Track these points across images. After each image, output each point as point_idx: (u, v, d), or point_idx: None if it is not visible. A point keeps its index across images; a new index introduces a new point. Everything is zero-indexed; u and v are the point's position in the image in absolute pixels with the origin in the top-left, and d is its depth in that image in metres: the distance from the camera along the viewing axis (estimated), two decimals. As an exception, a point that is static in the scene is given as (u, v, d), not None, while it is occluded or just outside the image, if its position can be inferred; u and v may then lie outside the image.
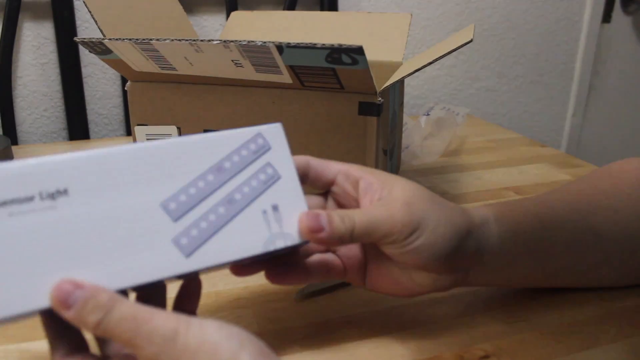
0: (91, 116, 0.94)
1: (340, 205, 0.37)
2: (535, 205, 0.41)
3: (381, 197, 0.34)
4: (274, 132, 0.34)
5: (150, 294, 0.31)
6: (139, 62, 0.51)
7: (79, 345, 0.28)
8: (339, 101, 0.50)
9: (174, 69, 0.51)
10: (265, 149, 0.33)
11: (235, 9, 0.93)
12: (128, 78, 0.56)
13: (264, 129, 0.33)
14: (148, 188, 0.29)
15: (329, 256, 0.37)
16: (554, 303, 0.44)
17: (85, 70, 0.92)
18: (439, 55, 0.45)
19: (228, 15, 0.93)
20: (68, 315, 0.25)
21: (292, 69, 0.47)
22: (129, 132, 0.96)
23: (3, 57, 0.85)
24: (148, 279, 0.28)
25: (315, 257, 0.37)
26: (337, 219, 0.32)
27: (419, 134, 0.79)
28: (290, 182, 0.33)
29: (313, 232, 0.32)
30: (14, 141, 0.89)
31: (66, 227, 0.27)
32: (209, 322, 0.26)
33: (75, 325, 0.26)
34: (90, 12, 0.53)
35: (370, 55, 0.45)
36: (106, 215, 0.28)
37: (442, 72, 1.15)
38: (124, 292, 0.28)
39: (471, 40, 0.43)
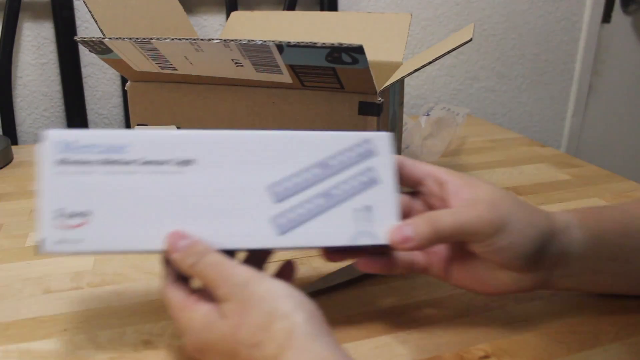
0: (91, 116, 0.94)
1: (428, 204, 0.39)
2: (619, 212, 0.41)
3: (468, 199, 0.36)
4: (381, 140, 0.36)
5: (252, 260, 0.37)
6: (139, 61, 0.51)
7: (185, 277, 0.34)
8: (339, 101, 0.50)
9: (174, 68, 0.51)
10: (370, 154, 0.36)
11: (235, 9, 0.93)
12: (128, 78, 0.56)
13: (373, 135, 0.36)
14: (259, 170, 0.34)
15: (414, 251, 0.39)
16: (554, 303, 0.44)
17: (85, 70, 0.92)
18: (439, 55, 0.45)
19: (228, 15, 0.93)
20: (174, 257, 0.32)
21: (292, 68, 0.47)
22: (129, 132, 0.96)
23: (3, 57, 0.85)
24: (243, 245, 0.34)
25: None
26: (422, 225, 0.34)
27: (419, 134, 0.79)
28: (387, 188, 0.36)
29: (402, 244, 0.34)
30: (14, 141, 0.89)
31: (187, 190, 0.33)
32: (277, 281, 0.30)
33: (178, 265, 0.32)
34: (90, 11, 0.53)
35: (370, 55, 0.45)
36: (221, 186, 0.33)
37: (442, 72, 1.15)
38: (231, 254, 0.33)
39: (471, 40, 0.43)
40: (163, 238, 0.32)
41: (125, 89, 0.57)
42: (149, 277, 0.47)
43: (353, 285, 0.46)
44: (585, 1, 1.21)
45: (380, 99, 0.49)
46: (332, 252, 0.38)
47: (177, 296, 0.33)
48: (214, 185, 0.33)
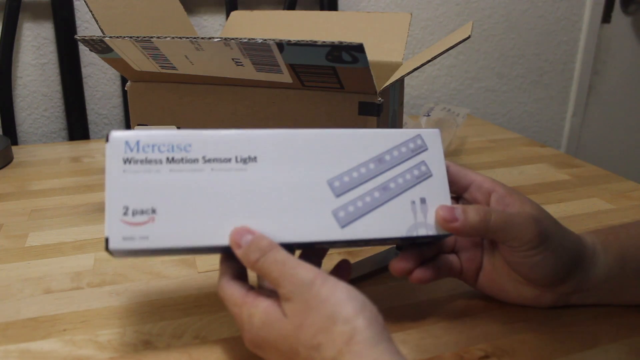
0: (91, 116, 0.94)
1: None
2: (638, 228, 0.42)
3: (512, 208, 0.38)
4: (432, 136, 0.38)
5: (310, 257, 0.37)
6: (139, 60, 0.51)
7: (241, 275, 0.35)
8: (339, 101, 0.50)
9: (174, 68, 0.51)
10: (422, 149, 0.37)
11: (235, 9, 0.93)
12: (128, 78, 0.56)
13: (423, 131, 0.38)
14: (319, 166, 0.35)
15: (451, 257, 0.41)
16: (554, 303, 0.44)
17: (85, 71, 0.92)
18: (438, 53, 0.45)
19: (228, 15, 0.93)
20: (238, 252, 0.33)
21: (292, 67, 0.47)
22: (128, 132, 0.96)
23: (3, 57, 0.85)
24: (306, 239, 0.34)
25: (441, 257, 0.41)
26: (473, 212, 0.36)
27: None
28: (440, 181, 0.37)
29: (448, 222, 0.36)
30: (14, 141, 0.89)
31: (250, 186, 0.34)
32: (342, 283, 0.30)
33: (242, 260, 0.32)
34: (91, 11, 0.53)
35: (371, 55, 0.45)
36: (282, 182, 0.34)
37: (442, 72, 1.15)
38: (290, 249, 0.34)
39: (469, 37, 0.43)
40: (227, 234, 0.33)
41: (125, 89, 0.57)
42: (149, 277, 0.47)
43: (353, 286, 0.46)
44: (585, 1, 1.21)
45: (380, 99, 0.49)
46: (417, 272, 0.39)
47: (235, 292, 0.33)
48: (276, 181, 0.34)
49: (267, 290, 0.34)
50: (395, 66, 0.65)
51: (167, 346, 0.38)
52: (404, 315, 0.42)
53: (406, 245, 0.40)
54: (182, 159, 0.34)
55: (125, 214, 0.32)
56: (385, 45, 0.67)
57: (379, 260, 0.48)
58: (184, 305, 0.43)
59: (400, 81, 0.61)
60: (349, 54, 0.43)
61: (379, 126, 0.50)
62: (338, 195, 0.35)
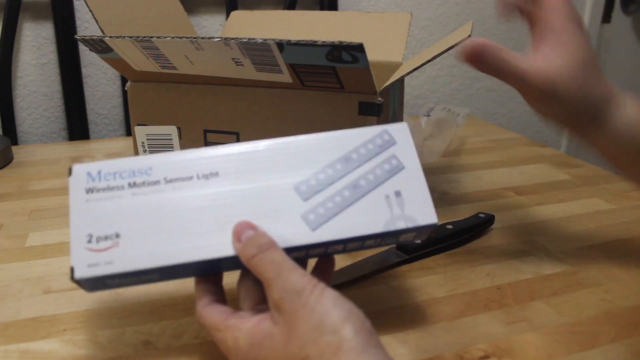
0: (91, 116, 0.94)
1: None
2: None
3: (547, 52, 0.43)
4: (399, 129, 0.37)
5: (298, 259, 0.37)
6: (139, 60, 0.51)
7: (219, 298, 0.34)
8: (339, 101, 0.50)
9: (174, 67, 0.51)
10: (390, 143, 0.37)
11: (235, 9, 0.93)
12: (128, 78, 0.56)
13: (390, 126, 0.37)
14: (283, 173, 0.35)
15: None
16: (554, 303, 0.44)
17: (85, 70, 0.92)
18: (438, 53, 0.45)
19: (228, 15, 0.93)
20: (237, 246, 0.32)
21: (292, 67, 0.47)
22: (129, 132, 0.96)
23: (3, 57, 0.85)
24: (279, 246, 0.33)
25: None
26: (492, 48, 0.41)
27: (419, 134, 0.79)
28: (413, 172, 0.36)
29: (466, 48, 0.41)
30: (14, 141, 0.89)
31: (215, 200, 0.34)
32: (329, 291, 0.30)
33: (239, 255, 0.32)
34: (91, 11, 0.53)
35: (370, 55, 0.45)
36: (247, 193, 0.34)
37: (442, 72, 1.15)
38: (302, 263, 0.35)
39: (469, 36, 0.43)
40: (195, 250, 0.32)
41: (125, 89, 0.57)
42: (149, 277, 0.47)
43: (353, 286, 0.46)
44: (585, 1, 1.21)
45: (380, 99, 0.49)
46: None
47: (215, 317, 0.32)
48: (241, 192, 0.34)
49: (247, 312, 0.33)
50: (395, 66, 0.65)
51: (167, 346, 0.38)
52: (404, 315, 0.42)
53: (402, 244, 0.39)
54: (143, 182, 0.34)
55: (89, 241, 0.32)
56: (385, 45, 0.67)
57: (379, 260, 0.48)
58: (184, 305, 0.43)
59: (401, 81, 0.61)
60: (349, 54, 0.43)
61: None
62: (306, 199, 0.34)
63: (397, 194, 0.35)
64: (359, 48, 0.42)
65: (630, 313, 0.42)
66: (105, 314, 0.42)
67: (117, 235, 0.32)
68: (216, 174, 0.34)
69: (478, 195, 0.66)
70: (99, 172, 0.34)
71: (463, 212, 0.59)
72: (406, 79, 1.13)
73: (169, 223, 0.33)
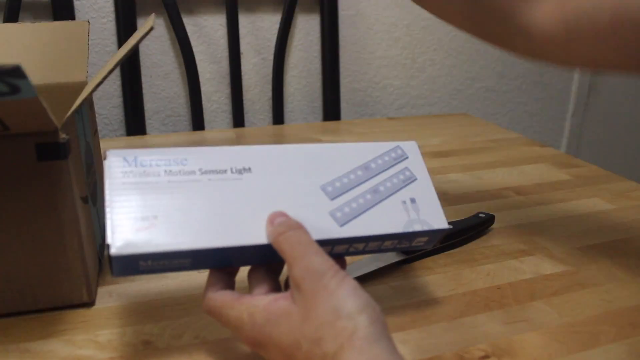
0: (91, 116, 0.94)
1: None
2: None
3: None
4: (410, 146, 0.42)
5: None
6: None
7: (230, 287, 0.35)
8: (8, 147, 0.37)
9: None
10: (403, 157, 0.41)
11: (235, 9, 0.93)
12: None
13: (402, 143, 0.42)
14: (310, 175, 0.38)
15: None
16: (554, 303, 0.44)
17: (85, 70, 0.92)
18: (123, 55, 0.40)
19: (228, 15, 0.94)
20: (269, 228, 0.34)
21: None
22: (129, 132, 0.96)
23: (3, 57, 0.85)
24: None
25: None
26: None
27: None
28: (424, 183, 0.41)
29: None
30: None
31: (248, 193, 0.36)
32: (350, 279, 0.31)
33: (268, 237, 0.34)
34: None
35: (47, 77, 0.35)
36: (278, 189, 0.36)
37: (443, 72, 1.15)
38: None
39: (152, 28, 0.38)
40: (227, 237, 0.34)
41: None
42: (148, 277, 0.47)
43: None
44: None
45: (64, 136, 0.38)
46: None
47: (228, 298, 0.33)
48: (272, 188, 0.36)
49: (259, 295, 0.34)
50: (80, 87, 0.51)
51: (167, 346, 0.38)
52: (404, 315, 0.42)
53: (406, 248, 0.41)
54: (179, 171, 0.35)
55: (127, 220, 0.33)
56: (63, 63, 0.53)
57: (379, 260, 0.48)
58: (184, 305, 0.43)
59: (89, 104, 0.49)
60: (5, 83, 0.30)
61: (70, 170, 0.40)
62: (333, 198, 0.37)
63: (412, 200, 0.39)
64: (17, 72, 0.29)
65: (630, 313, 0.42)
66: (105, 314, 0.42)
67: (155, 217, 0.33)
68: (249, 170, 0.36)
69: (478, 195, 0.66)
70: (135, 159, 0.35)
71: (463, 212, 0.59)
72: (406, 79, 1.13)
73: (205, 210, 0.34)
